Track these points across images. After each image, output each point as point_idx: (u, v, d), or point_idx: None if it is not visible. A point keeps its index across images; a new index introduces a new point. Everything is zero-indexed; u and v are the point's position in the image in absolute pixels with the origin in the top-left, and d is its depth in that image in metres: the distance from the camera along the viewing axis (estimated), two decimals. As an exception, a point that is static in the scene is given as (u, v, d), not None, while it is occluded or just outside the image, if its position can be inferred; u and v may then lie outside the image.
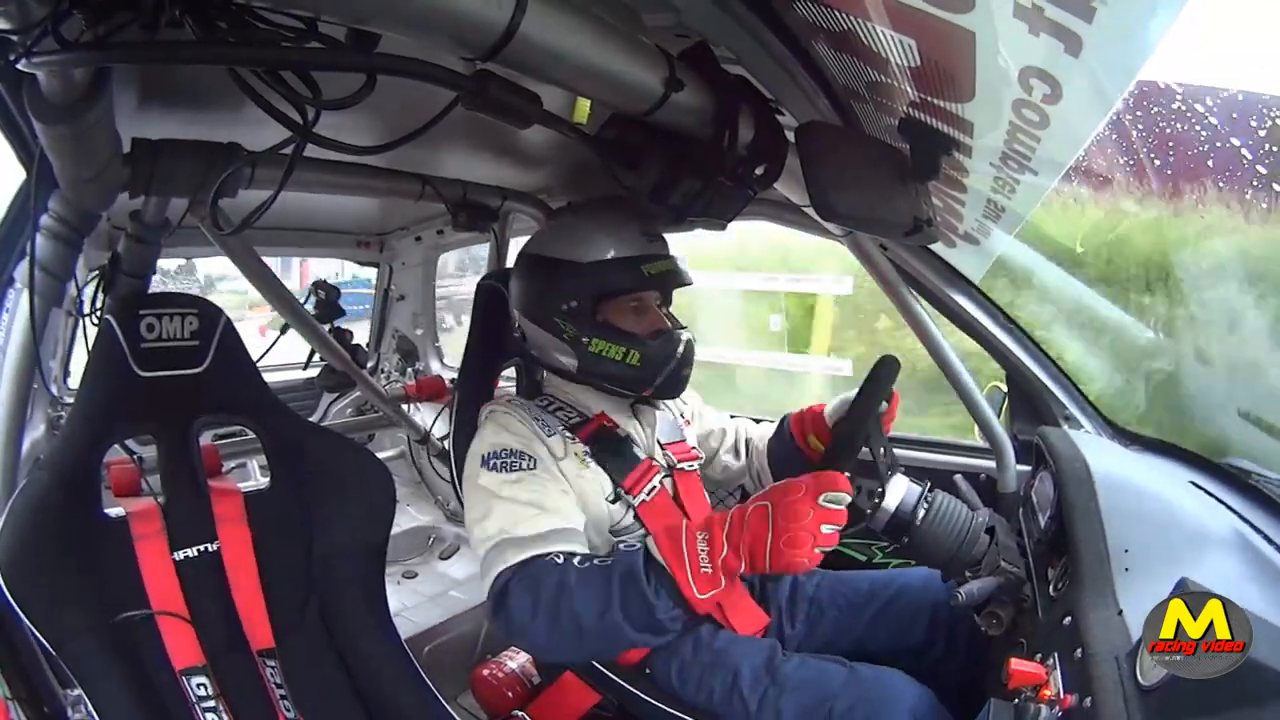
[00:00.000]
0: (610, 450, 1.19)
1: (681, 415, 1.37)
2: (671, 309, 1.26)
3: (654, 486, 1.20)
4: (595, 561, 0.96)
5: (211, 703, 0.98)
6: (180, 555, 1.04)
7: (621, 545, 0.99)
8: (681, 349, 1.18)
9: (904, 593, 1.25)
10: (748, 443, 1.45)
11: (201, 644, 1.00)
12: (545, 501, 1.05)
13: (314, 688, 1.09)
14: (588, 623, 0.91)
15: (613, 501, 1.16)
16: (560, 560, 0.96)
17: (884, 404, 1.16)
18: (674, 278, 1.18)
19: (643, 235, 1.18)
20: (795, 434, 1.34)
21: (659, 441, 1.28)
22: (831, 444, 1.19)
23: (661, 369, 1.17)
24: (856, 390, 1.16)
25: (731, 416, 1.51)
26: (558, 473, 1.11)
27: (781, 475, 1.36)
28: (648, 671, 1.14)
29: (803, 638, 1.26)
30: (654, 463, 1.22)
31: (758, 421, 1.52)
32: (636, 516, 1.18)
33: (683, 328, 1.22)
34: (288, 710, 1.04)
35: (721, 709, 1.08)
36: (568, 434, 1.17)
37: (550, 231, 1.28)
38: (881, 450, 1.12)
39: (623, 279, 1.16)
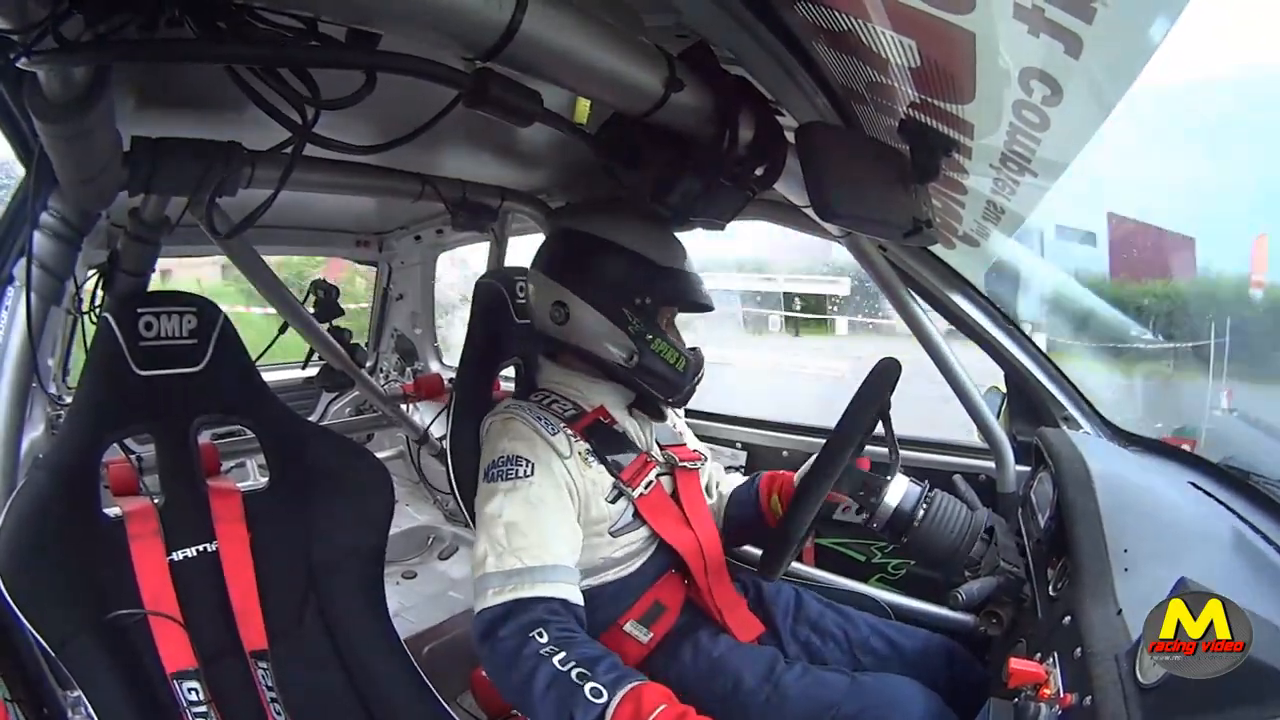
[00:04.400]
0: (608, 443, 1.19)
1: (675, 425, 1.37)
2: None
3: (650, 481, 1.20)
4: (574, 670, 0.92)
5: (203, 708, 0.96)
6: (179, 555, 1.03)
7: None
8: (702, 366, 1.26)
9: (907, 656, 1.20)
10: (716, 486, 1.42)
11: (194, 647, 0.99)
12: (531, 526, 1.03)
13: (308, 689, 1.08)
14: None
15: (613, 501, 1.16)
16: (543, 638, 0.94)
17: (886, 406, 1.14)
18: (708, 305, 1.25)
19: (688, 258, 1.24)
20: (762, 491, 1.33)
21: (657, 442, 1.28)
22: (819, 458, 1.13)
23: (691, 380, 1.24)
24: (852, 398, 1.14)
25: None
26: (559, 474, 1.09)
27: (734, 533, 1.36)
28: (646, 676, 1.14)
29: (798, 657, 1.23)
30: (650, 458, 1.23)
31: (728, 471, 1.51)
32: (637, 513, 1.18)
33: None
34: (278, 714, 1.03)
35: (720, 716, 1.07)
36: (568, 430, 1.16)
37: (614, 217, 1.21)
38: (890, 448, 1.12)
39: (690, 294, 1.21)
